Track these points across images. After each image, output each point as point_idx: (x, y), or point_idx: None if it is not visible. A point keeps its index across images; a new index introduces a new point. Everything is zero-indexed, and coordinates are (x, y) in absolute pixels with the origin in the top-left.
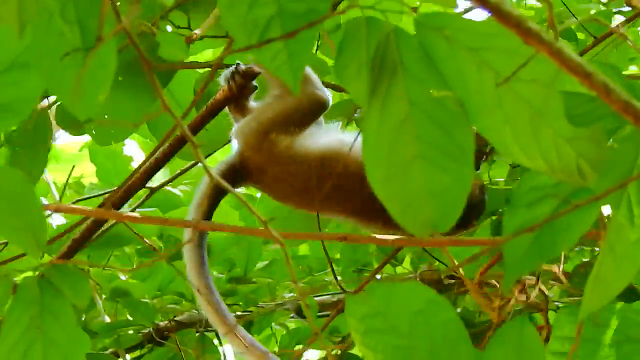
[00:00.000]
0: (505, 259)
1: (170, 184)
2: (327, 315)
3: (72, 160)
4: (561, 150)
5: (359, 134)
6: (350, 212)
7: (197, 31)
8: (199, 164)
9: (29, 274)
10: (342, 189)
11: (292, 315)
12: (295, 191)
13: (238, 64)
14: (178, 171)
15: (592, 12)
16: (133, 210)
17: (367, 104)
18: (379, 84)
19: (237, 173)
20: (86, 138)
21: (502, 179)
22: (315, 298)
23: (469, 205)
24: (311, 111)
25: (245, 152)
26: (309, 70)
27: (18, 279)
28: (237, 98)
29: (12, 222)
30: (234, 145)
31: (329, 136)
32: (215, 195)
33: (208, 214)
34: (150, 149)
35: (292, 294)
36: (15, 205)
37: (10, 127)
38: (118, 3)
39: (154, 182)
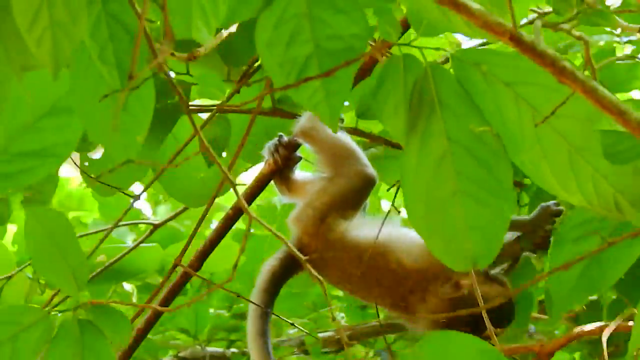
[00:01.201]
0: (552, 294)
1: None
2: (330, 352)
3: (71, 195)
4: (599, 185)
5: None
6: (389, 306)
7: (201, 49)
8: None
9: (68, 314)
10: (382, 284)
11: (295, 350)
12: (347, 277)
13: (281, 135)
14: (181, 208)
15: (601, 43)
16: (136, 246)
17: (406, 140)
18: (417, 120)
19: (295, 259)
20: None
21: None
22: (319, 334)
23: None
24: (363, 189)
25: (304, 239)
26: (354, 145)
27: (57, 319)
28: (282, 170)
29: (55, 263)
30: (292, 230)
31: (374, 229)
32: (279, 279)
33: (272, 298)
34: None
35: (295, 330)
36: (59, 247)
37: (51, 171)
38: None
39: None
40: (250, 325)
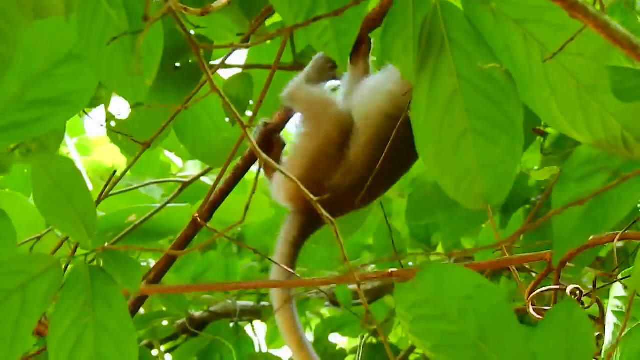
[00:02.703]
0: (555, 233)
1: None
2: (361, 304)
3: (103, 152)
4: (607, 122)
5: None
6: None
7: (215, 3)
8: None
9: (79, 260)
10: None
11: (326, 303)
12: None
13: (265, 122)
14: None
15: None
16: (165, 204)
17: (415, 79)
18: (426, 59)
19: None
20: None
21: (536, 168)
22: (349, 286)
23: None
24: (342, 134)
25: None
26: (330, 96)
27: (69, 266)
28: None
29: (63, 210)
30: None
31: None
32: (299, 240)
33: (294, 262)
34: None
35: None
36: (66, 193)
37: (67, 120)
38: None
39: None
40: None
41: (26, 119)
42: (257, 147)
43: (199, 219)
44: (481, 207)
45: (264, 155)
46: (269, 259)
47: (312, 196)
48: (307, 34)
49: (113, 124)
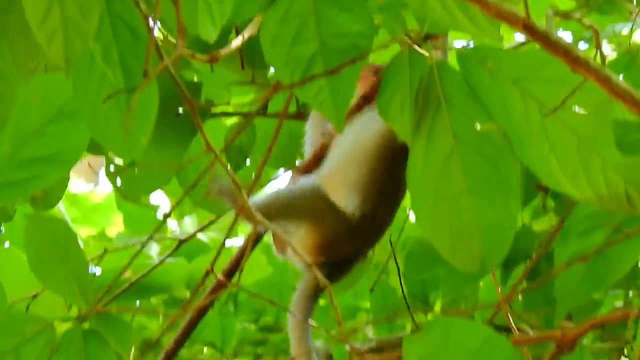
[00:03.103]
0: (557, 290)
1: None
2: None
3: (94, 210)
4: (609, 178)
5: None
6: None
7: (224, 50)
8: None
9: (70, 323)
10: None
11: None
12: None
13: None
14: (207, 221)
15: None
16: (162, 261)
17: (412, 139)
18: (423, 119)
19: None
20: (109, 187)
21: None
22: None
23: None
24: (320, 204)
25: None
26: (286, 188)
27: (60, 328)
28: None
29: (56, 271)
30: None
31: None
32: (315, 294)
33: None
34: (177, 196)
35: (322, 341)
36: (59, 254)
37: (57, 178)
38: (160, 43)
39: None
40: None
41: (19, 177)
42: (255, 215)
43: (220, 276)
44: (477, 269)
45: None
46: (285, 309)
47: (309, 261)
48: (304, 92)
49: (112, 168)
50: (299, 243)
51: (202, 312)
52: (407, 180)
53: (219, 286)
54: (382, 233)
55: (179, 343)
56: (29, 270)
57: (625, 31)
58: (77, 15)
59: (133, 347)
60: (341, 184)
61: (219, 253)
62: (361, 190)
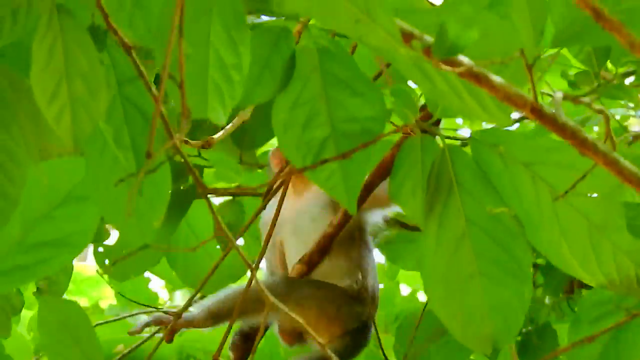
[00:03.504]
0: None
1: None
2: None
3: (86, 283)
4: (620, 262)
5: None
6: None
7: (217, 136)
8: None
9: None
10: None
11: None
12: None
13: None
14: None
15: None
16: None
17: (424, 222)
18: (434, 202)
19: None
20: None
21: None
22: None
23: None
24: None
25: None
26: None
27: None
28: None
29: (69, 352)
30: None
31: None
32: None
33: None
34: (166, 274)
35: None
36: (72, 336)
37: (66, 262)
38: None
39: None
40: None
41: (29, 261)
42: (265, 290)
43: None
44: (489, 350)
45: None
46: None
47: (321, 342)
48: (315, 176)
49: (100, 249)
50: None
51: None
52: (420, 262)
53: None
54: None
55: None
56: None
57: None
58: (85, 94)
59: None
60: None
61: (226, 335)
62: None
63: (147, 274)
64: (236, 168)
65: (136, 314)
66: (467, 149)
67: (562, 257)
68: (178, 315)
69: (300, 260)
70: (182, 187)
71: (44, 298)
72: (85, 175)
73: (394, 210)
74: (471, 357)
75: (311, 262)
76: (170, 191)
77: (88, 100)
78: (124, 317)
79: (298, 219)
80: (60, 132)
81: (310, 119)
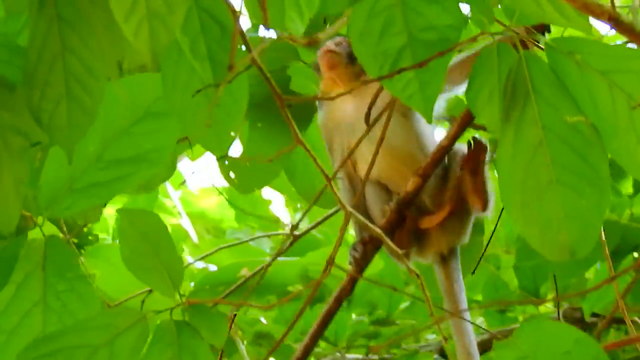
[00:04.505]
0: None
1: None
2: None
3: (208, 207)
4: None
5: None
6: None
7: (322, 34)
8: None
9: (166, 315)
10: None
11: (435, 356)
12: None
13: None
14: (320, 218)
15: None
16: (275, 257)
17: (501, 130)
18: (511, 109)
19: None
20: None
21: None
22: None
23: None
24: None
25: None
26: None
27: (155, 320)
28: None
29: (149, 264)
30: None
31: None
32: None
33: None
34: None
35: (435, 336)
36: (152, 247)
37: (145, 177)
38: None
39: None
40: None
41: (107, 178)
42: (341, 200)
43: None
44: (566, 258)
45: (349, 209)
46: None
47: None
48: (391, 86)
49: (226, 162)
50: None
51: (333, 310)
52: (497, 170)
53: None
54: None
55: (314, 339)
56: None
57: None
58: (163, 8)
59: (246, 340)
60: None
61: (337, 246)
62: None
63: (267, 195)
64: (313, 77)
65: (259, 237)
66: (542, 55)
67: (637, 165)
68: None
69: (415, 172)
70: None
71: (124, 210)
72: (162, 87)
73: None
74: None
75: (425, 174)
76: (247, 101)
77: (165, 13)
78: (246, 241)
79: (359, 121)
80: (138, 46)
81: (387, 27)
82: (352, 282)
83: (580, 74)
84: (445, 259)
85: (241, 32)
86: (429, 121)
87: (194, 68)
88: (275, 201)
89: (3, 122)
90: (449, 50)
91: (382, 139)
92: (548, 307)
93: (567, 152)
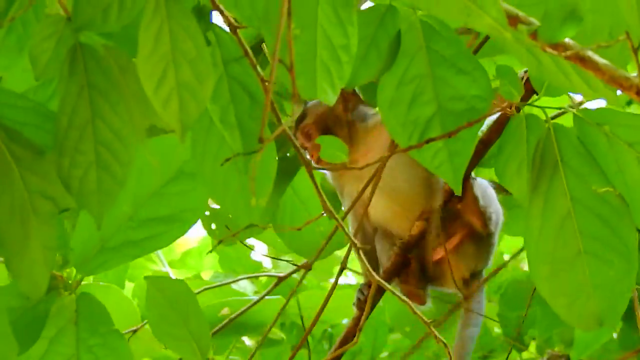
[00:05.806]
0: None
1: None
2: None
3: (188, 255)
4: None
5: None
6: None
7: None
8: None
9: None
10: None
11: None
12: None
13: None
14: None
15: None
16: (262, 298)
17: (529, 201)
18: (539, 180)
19: None
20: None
21: None
22: None
23: None
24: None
25: None
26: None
27: None
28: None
29: (177, 332)
30: None
31: None
32: None
33: None
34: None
35: None
36: (180, 315)
37: (178, 236)
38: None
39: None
40: None
41: (139, 237)
42: (350, 236)
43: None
44: (594, 328)
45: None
46: None
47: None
48: (420, 155)
49: (207, 213)
50: None
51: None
52: (525, 240)
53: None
54: None
55: None
56: (127, 304)
57: None
58: (193, 80)
59: None
60: None
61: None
62: None
63: (250, 241)
64: (341, 146)
65: (242, 278)
66: (567, 122)
67: None
68: None
69: (420, 216)
70: (288, 155)
71: (152, 278)
72: (192, 154)
73: None
74: None
75: (430, 218)
76: (276, 171)
77: (195, 85)
78: (228, 283)
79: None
80: (167, 118)
81: (416, 97)
82: (357, 323)
83: (608, 145)
84: (467, 283)
85: (271, 102)
86: (458, 193)
87: (223, 137)
88: (257, 247)
89: (32, 187)
90: (478, 121)
91: (377, 180)
92: (531, 352)
93: (595, 223)
